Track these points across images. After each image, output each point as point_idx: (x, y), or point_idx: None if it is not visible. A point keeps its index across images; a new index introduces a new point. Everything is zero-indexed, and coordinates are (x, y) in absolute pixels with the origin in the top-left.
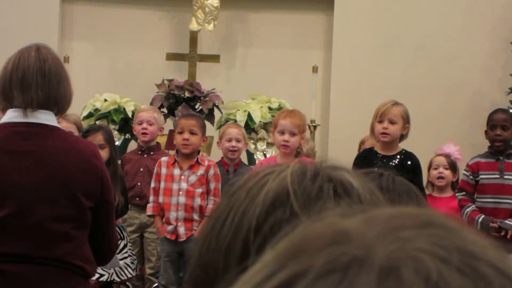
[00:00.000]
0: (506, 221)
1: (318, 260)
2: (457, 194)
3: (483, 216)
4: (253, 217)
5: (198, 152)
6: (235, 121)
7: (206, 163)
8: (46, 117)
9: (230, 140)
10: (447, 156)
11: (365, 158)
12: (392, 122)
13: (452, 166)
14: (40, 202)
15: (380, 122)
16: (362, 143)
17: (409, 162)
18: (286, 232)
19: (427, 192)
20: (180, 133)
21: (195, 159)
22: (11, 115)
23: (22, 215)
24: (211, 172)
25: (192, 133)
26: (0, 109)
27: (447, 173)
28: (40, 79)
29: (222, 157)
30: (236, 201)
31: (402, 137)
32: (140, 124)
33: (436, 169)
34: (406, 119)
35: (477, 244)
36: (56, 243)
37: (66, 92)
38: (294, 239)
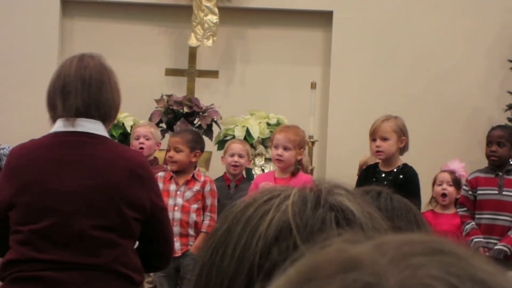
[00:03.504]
0: (495, 248)
1: (331, 286)
2: (458, 210)
3: (476, 239)
4: (256, 252)
5: (195, 167)
6: (234, 136)
7: (202, 178)
8: (93, 126)
9: (232, 155)
10: (451, 172)
11: (367, 175)
12: (384, 139)
13: (456, 182)
14: (83, 211)
15: (374, 140)
16: (364, 164)
17: (401, 176)
18: (295, 259)
19: (430, 207)
20: (168, 150)
21: (191, 175)
22: (58, 125)
23: (65, 224)
24: (207, 188)
25: (176, 150)
26: (49, 118)
27: (451, 190)
28: (79, 86)
29: (225, 172)
30: (234, 231)
31: (402, 150)
32: (137, 139)
33: (440, 185)
34: (400, 132)
35: (487, 272)
36: (100, 250)
37: (109, 98)
38: (305, 265)
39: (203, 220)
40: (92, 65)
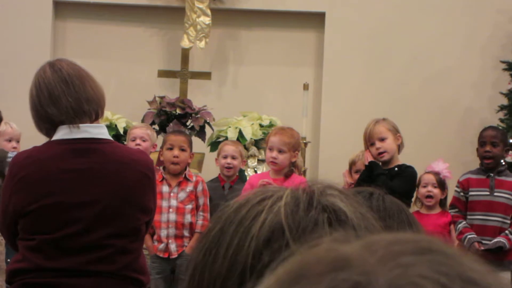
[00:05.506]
0: (493, 241)
1: (320, 286)
2: (450, 211)
3: (470, 236)
4: (249, 253)
5: (185, 168)
6: (226, 138)
7: (194, 178)
8: (98, 131)
9: (226, 157)
10: (436, 174)
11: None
12: (382, 139)
13: (441, 184)
14: (101, 221)
15: (372, 144)
16: (353, 163)
17: (396, 169)
18: (285, 258)
19: (416, 208)
20: (169, 149)
21: (183, 175)
22: (63, 132)
23: (82, 234)
24: (199, 187)
25: (182, 149)
26: (44, 134)
27: (436, 191)
28: (64, 87)
29: (220, 174)
30: (227, 232)
31: (399, 147)
32: (134, 140)
33: (425, 187)
34: (394, 130)
35: (477, 271)
36: (114, 258)
37: (93, 90)
38: (293, 264)
39: (196, 220)
40: (65, 66)
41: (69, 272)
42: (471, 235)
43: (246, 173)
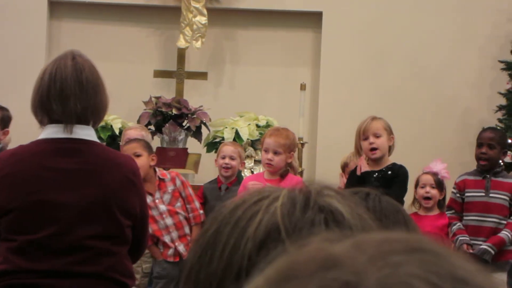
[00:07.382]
0: (480, 247)
1: (310, 285)
2: (446, 212)
3: (461, 237)
4: (244, 255)
5: (155, 170)
6: (223, 138)
7: (168, 176)
8: (86, 132)
9: (224, 158)
10: (434, 174)
11: (355, 177)
12: (377, 136)
13: (439, 184)
14: (81, 221)
15: (365, 139)
16: (345, 165)
17: (389, 172)
18: (275, 257)
19: (413, 209)
20: None
21: (157, 178)
22: (52, 131)
23: (63, 234)
24: (178, 183)
25: (136, 155)
26: (38, 121)
27: (434, 192)
28: (78, 90)
29: (218, 175)
30: (223, 233)
31: (390, 149)
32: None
33: (423, 187)
34: (389, 131)
35: (467, 270)
36: (97, 259)
37: (102, 101)
38: (283, 264)
39: (188, 215)
40: (86, 67)
41: (51, 273)
42: (463, 237)
43: (243, 174)
